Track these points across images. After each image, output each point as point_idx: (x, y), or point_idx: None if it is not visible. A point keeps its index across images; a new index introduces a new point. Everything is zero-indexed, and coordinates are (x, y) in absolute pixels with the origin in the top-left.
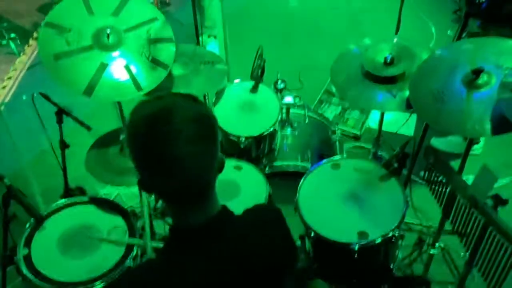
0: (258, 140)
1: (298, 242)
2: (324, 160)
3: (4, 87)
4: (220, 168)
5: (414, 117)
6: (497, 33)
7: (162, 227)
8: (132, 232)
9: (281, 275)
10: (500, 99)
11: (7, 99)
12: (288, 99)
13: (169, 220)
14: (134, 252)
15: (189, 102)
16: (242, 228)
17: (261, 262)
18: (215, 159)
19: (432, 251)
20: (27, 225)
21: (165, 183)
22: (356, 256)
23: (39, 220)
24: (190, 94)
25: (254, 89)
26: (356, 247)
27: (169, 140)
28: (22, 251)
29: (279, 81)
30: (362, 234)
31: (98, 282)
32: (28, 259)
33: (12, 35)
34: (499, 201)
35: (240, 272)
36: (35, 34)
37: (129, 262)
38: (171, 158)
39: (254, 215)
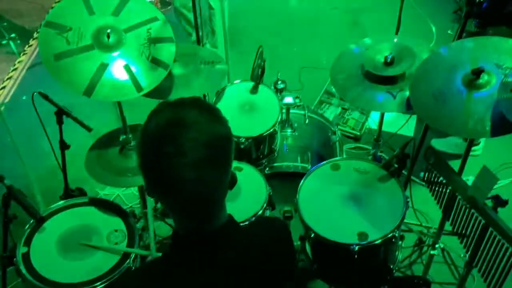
0: (258, 140)
1: (298, 243)
2: (324, 161)
3: (4, 87)
4: (231, 185)
5: (414, 117)
6: (494, 32)
7: (162, 228)
8: (131, 233)
9: (281, 284)
10: (500, 100)
11: (7, 99)
12: (288, 99)
13: (170, 220)
14: (134, 254)
15: (207, 119)
16: (246, 239)
17: (262, 273)
18: (223, 182)
19: (432, 252)
20: (27, 225)
21: (165, 199)
22: (356, 257)
23: (39, 221)
24: (213, 107)
25: (254, 90)
26: (356, 248)
27: (172, 161)
28: (21, 252)
29: (279, 82)
30: (362, 235)
31: (97, 284)
32: (27, 260)
33: (13, 35)
34: (499, 202)
35: (239, 283)
36: (35, 34)
37: (129, 263)
38: (173, 179)
39: (260, 227)
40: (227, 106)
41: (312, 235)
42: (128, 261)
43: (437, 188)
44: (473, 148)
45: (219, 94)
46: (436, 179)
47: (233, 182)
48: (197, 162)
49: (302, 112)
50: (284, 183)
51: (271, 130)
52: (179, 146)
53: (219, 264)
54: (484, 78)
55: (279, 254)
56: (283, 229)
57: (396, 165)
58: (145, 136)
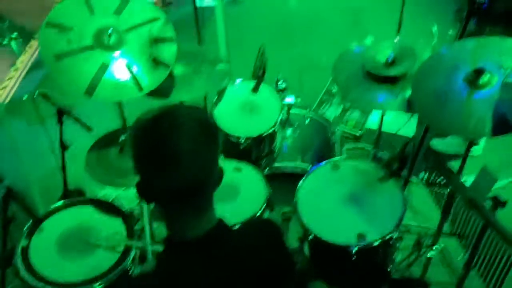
0: (258, 141)
1: (297, 244)
2: (324, 161)
3: (4, 87)
4: (218, 181)
5: (414, 118)
6: (491, 31)
7: (162, 228)
8: (130, 233)
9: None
10: (501, 100)
11: (7, 99)
12: (289, 99)
13: None
14: (133, 254)
15: (192, 108)
16: (239, 242)
17: (257, 277)
18: (215, 164)
19: (430, 253)
20: (26, 226)
21: (163, 182)
22: (354, 258)
23: (38, 222)
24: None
25: (255, 89)
26: (355, 249)
27: (170, 133)
28: (20, 253)
29: (280, 81)
30: (360, 236)
31: (96, 283)
32: (26, 260)
33: (14, 34)
34: (498, 202)
35: (235, 286)
36: (36, 34)
37: (127, 264)
38: (171, 152)
39: (252, 229)
40: (228, 106)
41: (311, 236)
42: (126, 261)
43: (436, 189)
44: (472, 148)
45: (220, 94)
46: (435, 179)
47: (220, 176)
48: (192, 134)
49: (303, 112)
50: (284, 183)
51: (271, 130)
52: (174, 120)
53: (212, 267)
54: (485, 78)
55: (273, 256)
56: (276, 231)
57: (395, 166)
58: (138, 126)
